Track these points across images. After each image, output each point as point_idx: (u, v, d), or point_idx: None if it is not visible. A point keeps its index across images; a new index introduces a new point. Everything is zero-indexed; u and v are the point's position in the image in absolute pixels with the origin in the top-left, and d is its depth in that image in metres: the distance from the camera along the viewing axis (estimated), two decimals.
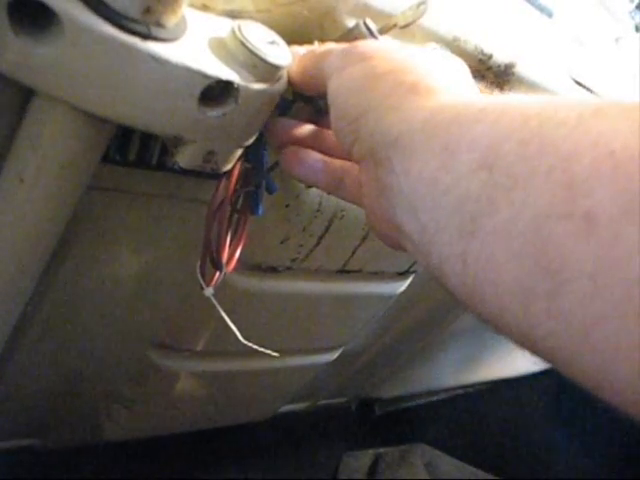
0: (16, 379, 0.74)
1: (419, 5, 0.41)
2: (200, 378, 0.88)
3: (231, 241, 0.43)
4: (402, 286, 0.81)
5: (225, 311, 0.72)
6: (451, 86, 0.33)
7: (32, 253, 0.46)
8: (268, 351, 0.52)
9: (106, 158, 0.44)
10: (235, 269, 0.44)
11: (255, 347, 0.51)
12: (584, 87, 0.62)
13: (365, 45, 0.36)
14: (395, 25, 0.42)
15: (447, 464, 1.57)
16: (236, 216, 0.46)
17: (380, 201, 0.34)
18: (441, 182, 0.27)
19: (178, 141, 0.40)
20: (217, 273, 0.44)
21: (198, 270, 0.44)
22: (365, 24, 0.41)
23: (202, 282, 0.45)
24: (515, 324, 0.25)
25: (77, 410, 0.89)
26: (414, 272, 0.80)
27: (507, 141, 0.25)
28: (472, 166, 0.25)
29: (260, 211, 0.46)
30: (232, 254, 0.44)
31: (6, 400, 0.77)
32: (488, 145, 0.25)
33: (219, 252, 0.43)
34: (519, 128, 0.24)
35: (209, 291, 0.45)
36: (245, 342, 0.50)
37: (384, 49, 0.35)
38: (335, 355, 0.98)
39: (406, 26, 0.42)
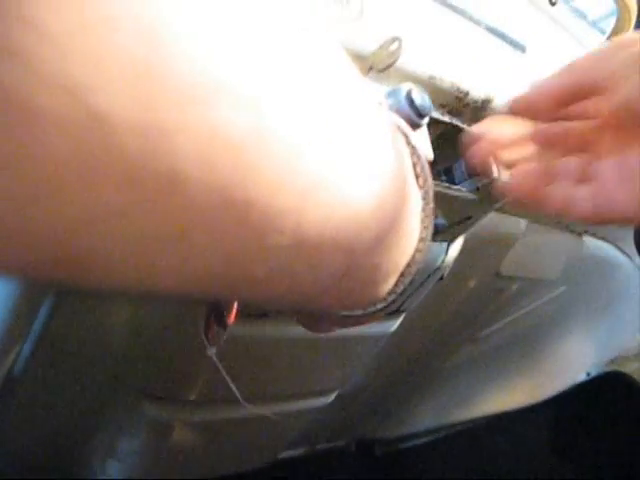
0: (8, 434, 0.72)
1: (392, 42, 0.41)
2: (194, 427, 0.87)
3: None
4: (393, 325, 0.81)
5: (220, 360, 0.71)
6: None
7: (22, 308, 0.45)
8: (268, 413, 0.52)
9: None
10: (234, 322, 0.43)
11: (256, 410, 0.50)
12: None
13: None
14: (372, 68, 0.42)
15: None
16: None
17: None
18: None
19: None
20: (220, 330, 0.43)
21: (202, 330, 0.43)
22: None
23: (206, 341, 0.44)
24: None
25: (70, 466, 0.87)
26: (404, 311, 0.79)
27: None
28: None
29: None
30: (232, 308, 0.42)
31: None
32: None
33: (225, 311, 0.42)
34: None
35: (212, 350, 0.44)
36: (246, 405, 0.49)
37: None
38: (331, 398, 0.97)
39: (385, 69, 0.42)
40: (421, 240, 0.30)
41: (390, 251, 0.27)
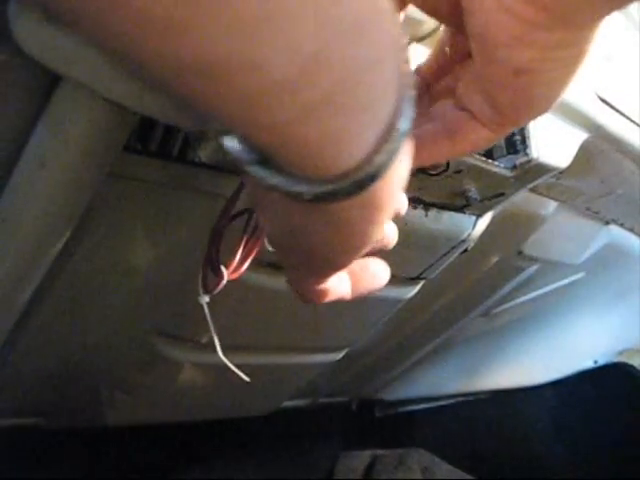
0: (24, 358, 0.74)
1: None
2: (203, 369, 0.88)
3: (244, 247, 0.41)
4: (411, 291, 0.81)
5: (234, 306, 0.72)
6: None
7: (49, 236, 0.46)
8: (240, 373, 0.52)
9: (127, 147, 0.44)
10: (238, 277, 0.43)
11: (230, 365, 0.50)
12: (609, 105, 0.61)
13: None
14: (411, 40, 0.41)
15: (443, 470, 1.57)
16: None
17: None
18: None
19: (201, 135, 0.40)
20: (218, 281, 0.43)
21: (200, 277, 0.43)
22: None
23: (200, 288, 0.43)
24: None
25: (81, 393, 0.89)
26: (424, 278, 0.80)
27: None
28: None
29: None
30: (240, 264, 0.42)
31: (13, 379, 0.78)
32: None
33: (219, 263, 0.41)
34: None
35: (204, 299, 0.44)
36: (223, 358, 0.49)
37: None
38: (340, 355, 0.98)
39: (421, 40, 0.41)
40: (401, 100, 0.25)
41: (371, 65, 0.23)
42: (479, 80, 0.34)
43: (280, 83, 0.21)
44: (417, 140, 0.36)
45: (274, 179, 0.25)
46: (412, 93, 0.26)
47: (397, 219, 0.41)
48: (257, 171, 0.25)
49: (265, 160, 0.25)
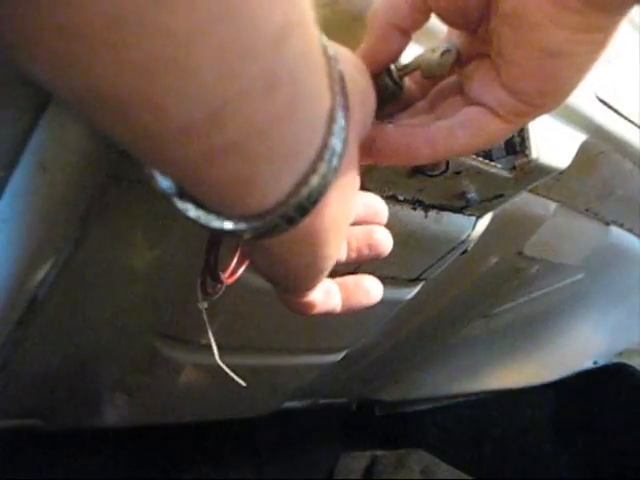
0: (24, 360, 0.74)
1: (443, 53, 0.37)
2: (204, 371, 0.88)
3: (241, 251, 0.41)
4: (411, 292, 0.81)
5: (234, 308, 0.72)
6: None
7: (49, 238, 0.46)
8: (237, 378, 0.52)
9: None
10: (235, 282, 0.43)
11: (227, 370, 0.50)
12: (608, 106, 0.61)
13: None
14: (418, 68, 0.39)
15: (443, 471, 1.56)
16: None
17: None
18: None
19: None
20: (215, 285, 0.43)
21: (198, 283, 0.43)
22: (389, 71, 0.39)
23: (199, 294, 0.43)
24: None
25: (81, 394, 0.89)
26: (424, 279, 0.80)
27: None
28: None
29: None
30: (236, 268, 0.42)
31: (13, 380, 0.78)
32: None
33: (217, 270, 0.42)
34: None
35: (203, 305, 0.44)
36: (220, 363, 0.49)
37: None
38: (340, 356, 0.98)
39: (430, 77, 0.39)
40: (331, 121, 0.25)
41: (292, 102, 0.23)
42: (502, 70, 0.34)
43: (184, 128, 0.21)
44: (433, 135, 0.36)
45: (194, 213, 0.25)
46: (343, 124, 0.26)
47: (387, 226, 0.41)
48: (178, 203, 0.25)
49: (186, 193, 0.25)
